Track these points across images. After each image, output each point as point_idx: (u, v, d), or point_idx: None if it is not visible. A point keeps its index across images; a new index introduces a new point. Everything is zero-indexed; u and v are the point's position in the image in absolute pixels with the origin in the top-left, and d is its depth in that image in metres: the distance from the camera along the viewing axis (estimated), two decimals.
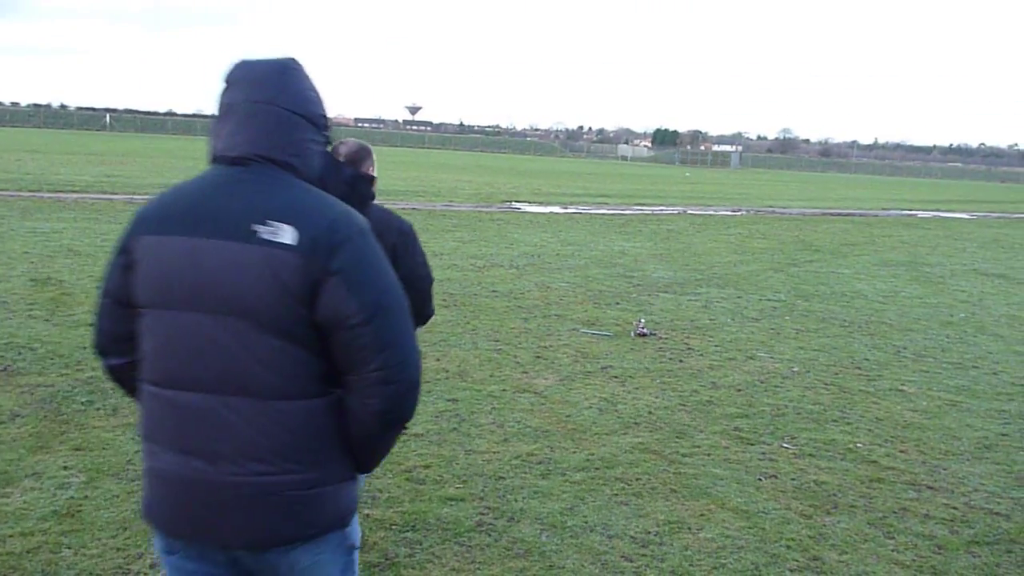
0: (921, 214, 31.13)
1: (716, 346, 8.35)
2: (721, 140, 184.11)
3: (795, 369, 7.66)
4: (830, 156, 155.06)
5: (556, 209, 23.56)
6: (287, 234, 1.84)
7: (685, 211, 25.26)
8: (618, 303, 10.31)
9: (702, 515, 4.50)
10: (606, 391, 6.63)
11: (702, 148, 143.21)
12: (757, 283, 12.45)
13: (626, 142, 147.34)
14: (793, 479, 5.07)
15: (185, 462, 1.91)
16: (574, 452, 5.28)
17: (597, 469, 5.03)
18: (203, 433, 1.90)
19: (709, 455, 5.37)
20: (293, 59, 2.04)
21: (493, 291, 10.56)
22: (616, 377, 7.05)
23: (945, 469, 5.40)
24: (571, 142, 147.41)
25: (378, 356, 1.91)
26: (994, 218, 31.60)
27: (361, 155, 3.61)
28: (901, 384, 7.37)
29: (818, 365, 7.86)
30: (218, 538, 1.94)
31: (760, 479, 5.03)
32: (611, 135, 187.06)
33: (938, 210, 34.18)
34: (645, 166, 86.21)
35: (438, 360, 7.22)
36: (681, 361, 7.68)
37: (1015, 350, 9.05)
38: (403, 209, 20.44)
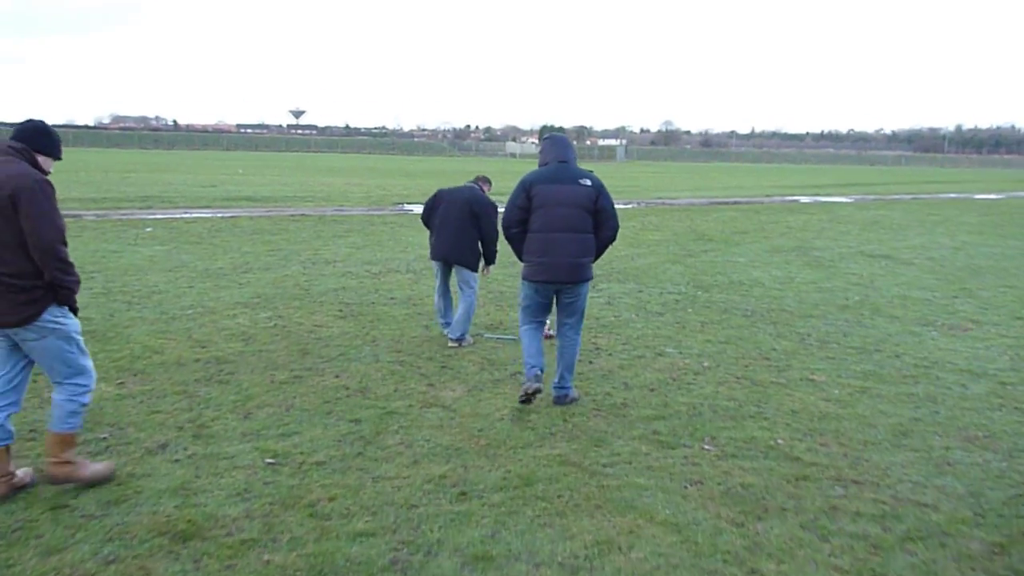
0: (803, 199, 32.03)
1: (624, 344, 8.15)
2: (606, 134, 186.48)
3: (705, 364, 7.50)
4: (711, 146, 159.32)
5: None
6: (588, 181, 5.98)
7: None
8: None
9: (631, 532, 4.22)
10: (517, 400, 6.30)
11: (588, 143, 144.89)
12: (656, 276, 12.37)
13: (513, 139, 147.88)
14: (719, 483, 4.85)
15: (562, 257, 5.97)
16: (490, 470, 4.93)
17: (516, 488, 4.69)
18: (564, 248, 5.96)
19: (630, 463, 5.11)
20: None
21: (391, 298, 10.12)
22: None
23: (867, 460, 5.29)
24: (459, 141, 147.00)
25: (610, 220, 6.07)
26: (870, 200, 32.77)
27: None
28: (811, 373, 7.30)
29: (727, 358, 7.73)
30: (572, 279, 6.08)
31: (686, 487, 4.79)
32: (498, 133, 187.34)
33: (818, 195, 35.28)
34: (533, 162, 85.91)
35: (337, 377, 6.76)
36: (591, 362, 7.43)
37: (911, 331, 9.16)
38: (292, 216, 19.71)
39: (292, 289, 10.45)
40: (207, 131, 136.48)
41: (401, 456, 5.12)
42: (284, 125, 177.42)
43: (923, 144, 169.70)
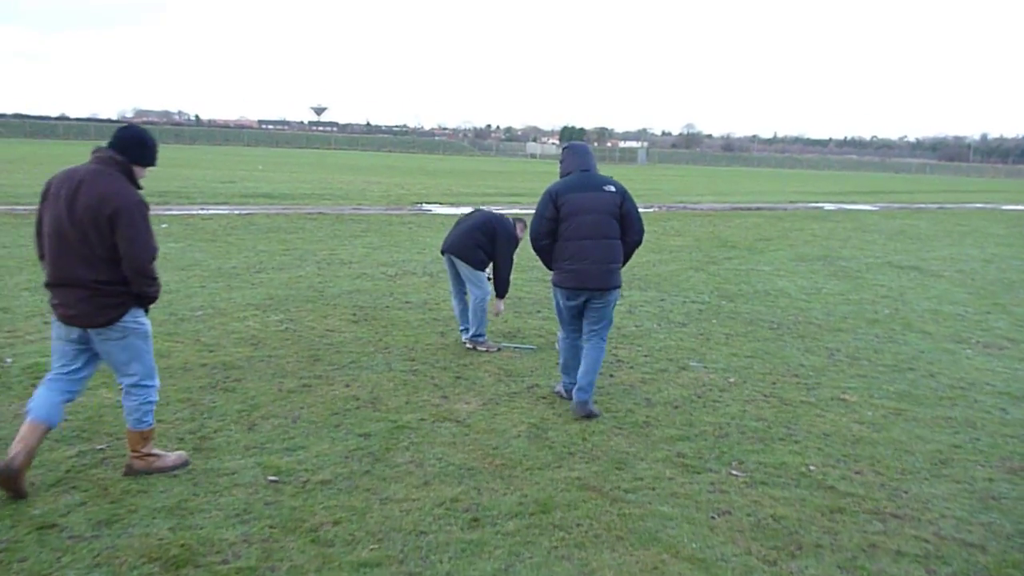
0: (827, 206, 31.54)
1: (645, 356, 7.84)
2: (627, 136, 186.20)
3: (731, 380, 7.19)
4: (732, 150, 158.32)
5: (468, 210, 22.90)
6: (612, 187, 6.04)
7: None
8: (539, 311, 9.74)
9: (655, 568, 3.92)
10: (535, 415, 6.02)
11: (608, 144, 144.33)
12: (679, 284, 12.05)
13: (534, 140, 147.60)
14: (749, 514, 4.54)
15: (592, 264, 5.95)
16: (505, 494, 4.65)
17: (532, 515, 4.40)
18: (594, 254, 5.96)
19: (654, 489, 4.81)
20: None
21: (406, 302, 9.86)
22: (544, 398, 6.45)
23: (906, 492, 4.96)
24: (479, 141, 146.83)
25: (635, 224, 6.11)
26: (896, 209, 32.24)
27: None
28: (842, 392, 6.97)
29: (754, 374, 7.42)
30: (602, 286, 6.03)
31: (713, 517, 4.48)
32: (519, 133, 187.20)
33: (842, 202, 34.75)
34: (554, 163, 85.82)
35: (347, 387, 6.50)
36: (612, 375, 7.13)
37: (945, 348, 8.81)
38: (309, 214, 19.51)
39: (305, 291, 10.21)
40: (229, 126, 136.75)
41: (411, 476, 4.85)
42: (305, 122, 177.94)
43: (948, 152, 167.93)
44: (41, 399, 4.44)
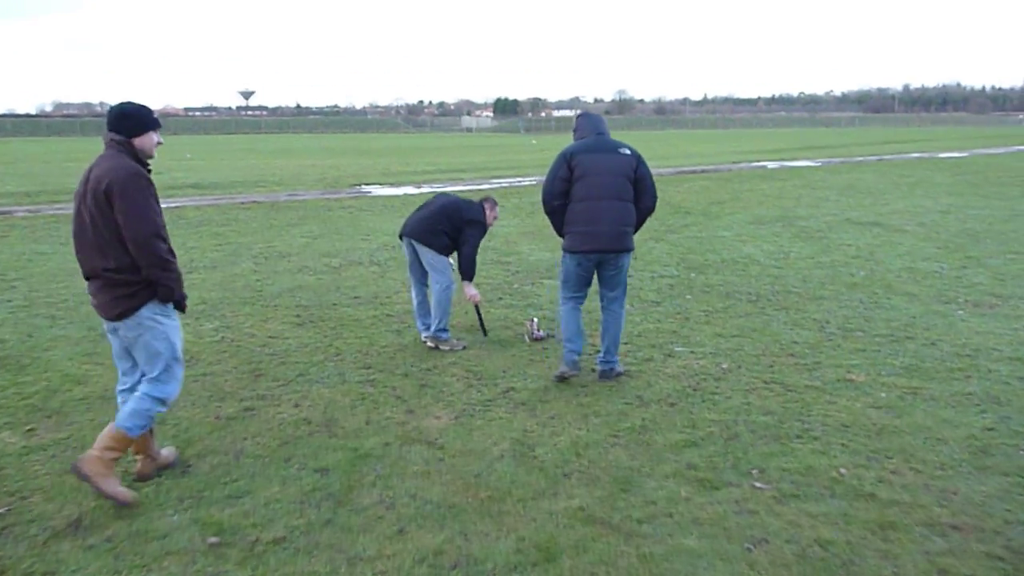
0: (770, 165, 31.21)
1: (625, 343, 7.07)
2: (560, 105, 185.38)
3: (724, 366, 6.48)
4: (665, 113, 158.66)
5: (409, 190, 21.94)
6: (627, 150, 6.03)
7: (542, 180, 24.08)
8: (500, 298, 8.92)
9: None
10: (516, 427, 5.22)
11: (543, 114, 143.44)
12: (642, 256, 11.32)
13: (468, 113, 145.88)
14: (789, 541, 3.81)
15: (606, 225, 5.88)
16: (497, 538, 3.84)
17: (535, 565, 3.61)
18: (609, 215, 5.89)
19: (671, 515, 4.05)
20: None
21: (355, 297, 8.96)
22: (523, 404, 5.66)
23: (955, 493, 4.28)
24: (413, 117, 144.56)
25: (650, 188, 6.09)
26: (837, 163, 32.05)
27: None
28: (847, 372, 6.30)
29: (746, 357, 6.72)
30: (616, 248, 5.93)
31: (749, 548, 3.74)
32: (452, 107, 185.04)
33: (783, 160, 34.52)
34: (491, 136, 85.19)
35: (296, 407, 5.62)
36: (594, 369, 6.36)
37: (935, 310, 8.23)
38: (242, 203, 18.35)
39: (242, 291, 9.25)
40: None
41: (382, 521, 4.01)
42: (234, 107, 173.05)
43: (873, 104, 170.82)
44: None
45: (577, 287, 6.16)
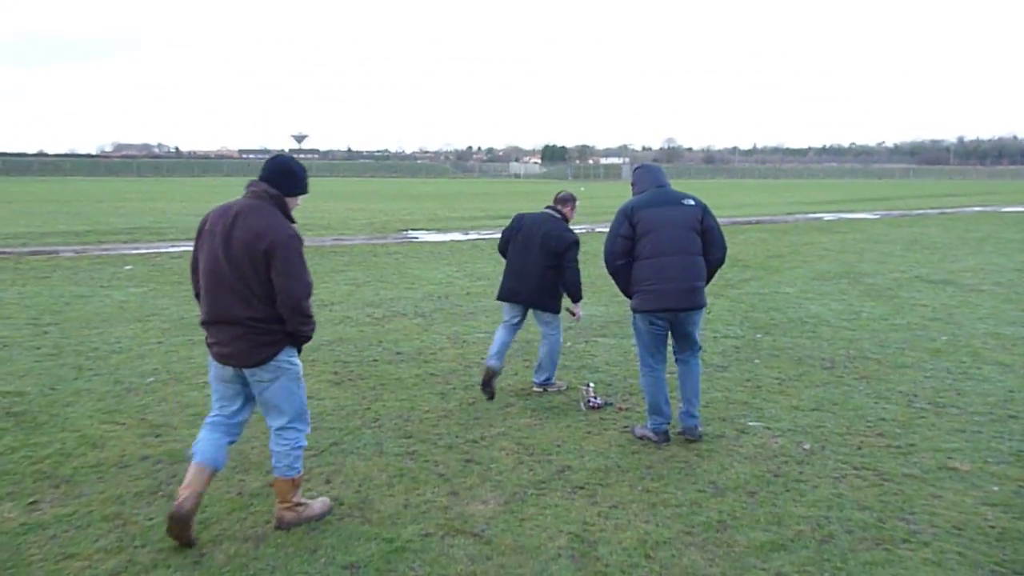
0: (827, 217, 30.34)
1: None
2: (608, 153, 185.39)
3: (806, 446, 5.76)
4: (714, 162, 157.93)
5: (457, 236, 21.52)
6: (691, 201, 5.68)
7: (594, 229, 23.47)
8: (604, 334, 8.27)
9: None
10: (574, 517, 4.56)
11: (591, 161, 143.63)
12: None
13: (516, 160, 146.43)
14: None
15: (675, 282, 5.51)
16: None
17: None
18: (678, 271, 5.54)
19: None
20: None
21: (397, 352, 8.40)
22: (581, 487, 5.00)
23: None
24: (461, 162, 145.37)
25: (718, 239, 5.73)
26: (897, 216, 31.06)
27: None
28: (947, 457, 5.55)
29: (830, 435, 5.99)
30: (688, 305, 5.61)
31: None
32: (500, 153, 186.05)
33: (839, 211, 33.62)
34: (539, 183, 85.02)
35: (328, 482, 5.04)
36: (659, 448, 5.69)
37: None
38: None
39: None
40: (209, 157, 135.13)
41: None
42: (286, 149, 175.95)
43: (926, 156, 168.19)
44: (205, 443, 4.30)
45: (654, 348, 5.83)
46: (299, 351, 4.41)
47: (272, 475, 4.47)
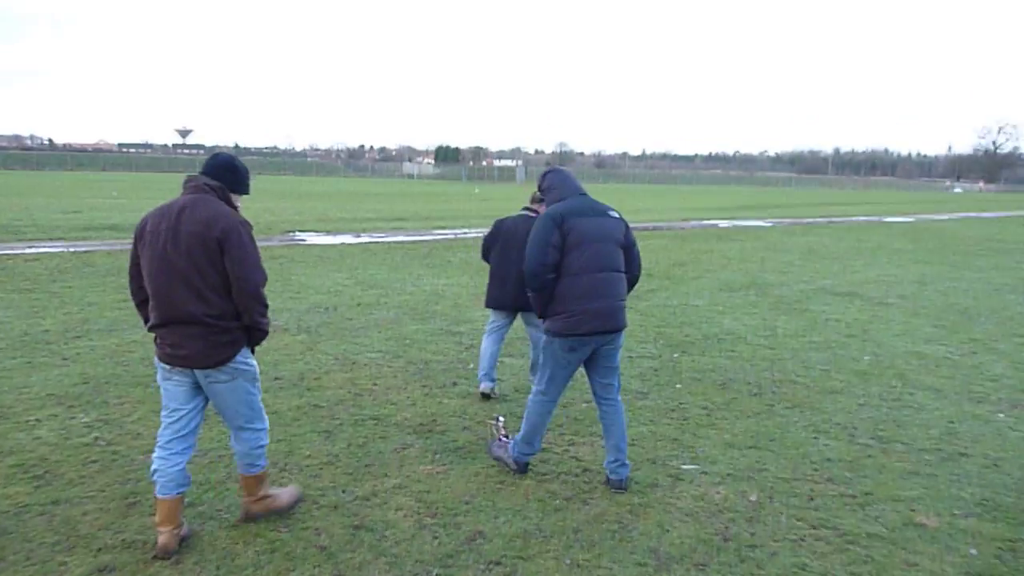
0: (721, 223, 30.32)
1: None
2: (502, 155, 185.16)
3: (753, 498, 4.98)
4: (604, 167, 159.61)
5: (347, 239, 20.25)
6: (615, 213, 5.06)
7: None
8: (455, 383, 7.34)
9: None
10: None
11: (484, 163, 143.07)
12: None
13: (409, 159, 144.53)
14: None
15: (608, 300, 4.87)
16: None
17: None
18: (611, 289, 4.90)
19: None
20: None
21: (276, 378, 7.28)
22: (497, 563, 4.06)
23: None
24: (354, 161, 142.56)
25: (637, 256, 5.15)
26: (788, 224, 31.31)
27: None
28: (910, 509, 4.86)
29: (776, 482, 5.24)
30: (617, 326, 4.93)
31: None
32: (393, 153, 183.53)
33: (733, 218, 33.74)
34: (433, 183, 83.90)
35: (178, 563, 3.94)
36: (585, 504, 4.81)
37: (974, 414, 6.90)
38: None
39: (138, 366, 7.48)
40: (86, 150, 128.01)
41: None
42: (170, 145, 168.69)
43: (805, 166, 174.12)
44: (165, 471, 4.12)
45: (563, 379, 5.14)
46: (252, 351, 4.28)
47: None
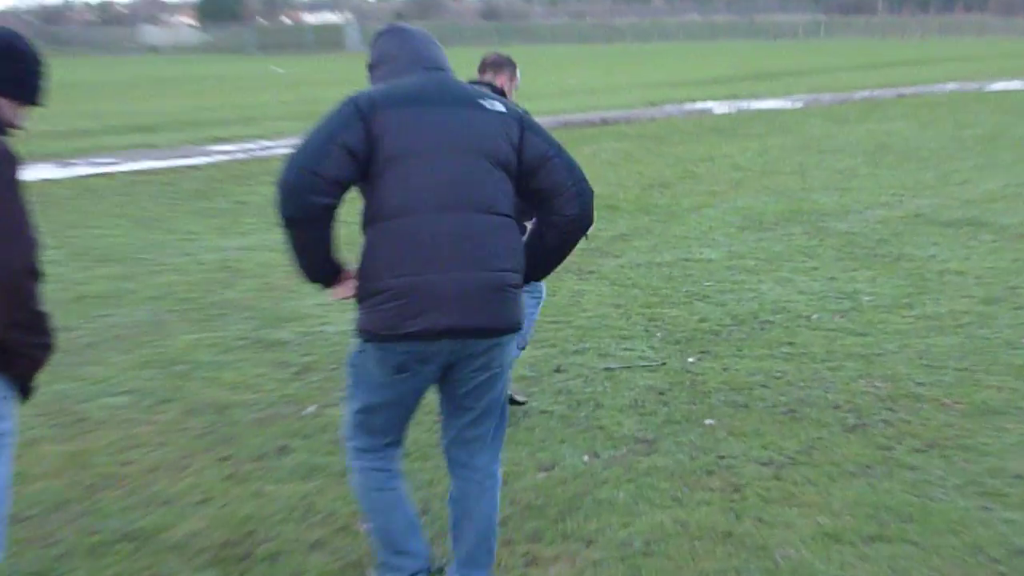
0: (716, 108, 30.54)
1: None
2: (316, 5, 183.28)
3: None
4: (500, 18, 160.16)
5: (47, 171, 19.88)
6: (499, 104, 4.65)
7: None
8: (283, 447, 6.78)
9: None
10: None
11: (286, 20, 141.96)
12: (568, 316, 9.41)
13: (152, 21, 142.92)
14: None
15: (451, 273, 4.38)
16: None
17: None
18: (458, 249, 4.42)
19: None
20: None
21: None
22: None
23: None
24: (52, 28, 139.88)
25: (570, 176, 4.55)
26: (829, 102, 31.82)
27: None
28: None
29: None
30: (482, 324, 4.43)
31: None
32: (125, 11, 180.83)
33: (734, 96, 34.10)
34: (197, 61, 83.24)
35: None
36: None
37: None
38: None
39: None
40: None
41: None
42: None
43: (840, 3, 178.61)
44: None
45: (389, 426, 4.88)
46: (25, 390, 4.15)
47: None
